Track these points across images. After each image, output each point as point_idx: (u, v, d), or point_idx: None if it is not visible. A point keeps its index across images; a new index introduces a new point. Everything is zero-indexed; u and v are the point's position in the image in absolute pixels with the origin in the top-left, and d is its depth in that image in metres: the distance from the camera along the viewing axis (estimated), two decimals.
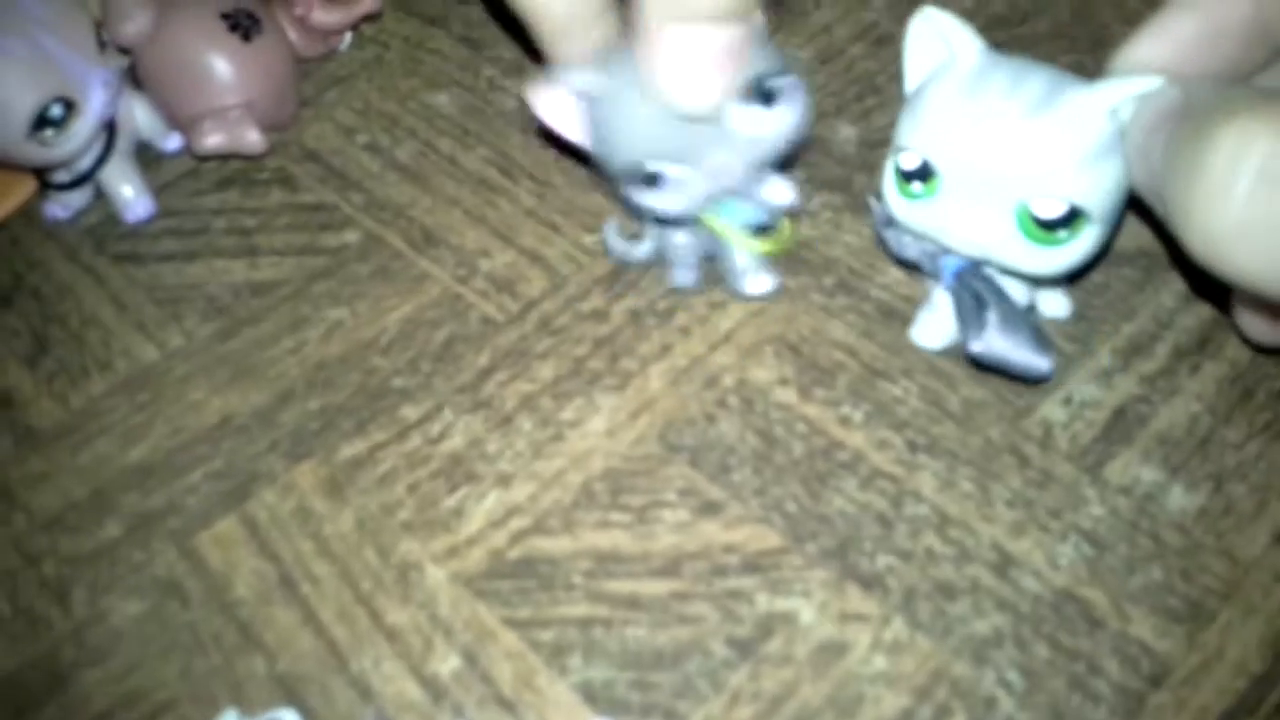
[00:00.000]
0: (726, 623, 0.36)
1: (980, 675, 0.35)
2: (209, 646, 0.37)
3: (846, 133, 0.52)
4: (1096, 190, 0.36)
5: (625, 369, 0.44)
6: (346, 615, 0.38)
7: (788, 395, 0.42)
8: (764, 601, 0.37)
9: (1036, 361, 0.39)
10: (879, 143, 0.52)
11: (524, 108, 0.55)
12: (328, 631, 0.37)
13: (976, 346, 0.39)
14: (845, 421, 0.41)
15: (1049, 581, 0.37)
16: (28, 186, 0.53)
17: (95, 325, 0.48)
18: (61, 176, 0.51)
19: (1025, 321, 0.39)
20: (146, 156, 0.54)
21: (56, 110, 0.47)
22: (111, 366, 0.46)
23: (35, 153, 0.48)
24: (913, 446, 0.40)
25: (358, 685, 0.36)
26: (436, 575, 0.38)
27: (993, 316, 0.39)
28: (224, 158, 0.54)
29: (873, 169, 0.50)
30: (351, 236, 0.50)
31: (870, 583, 0.37)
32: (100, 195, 0.53)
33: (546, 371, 0.44)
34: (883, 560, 0.38)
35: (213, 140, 0.51)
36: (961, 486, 0.39)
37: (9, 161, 0.49)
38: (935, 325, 0.43)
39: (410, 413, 0.43)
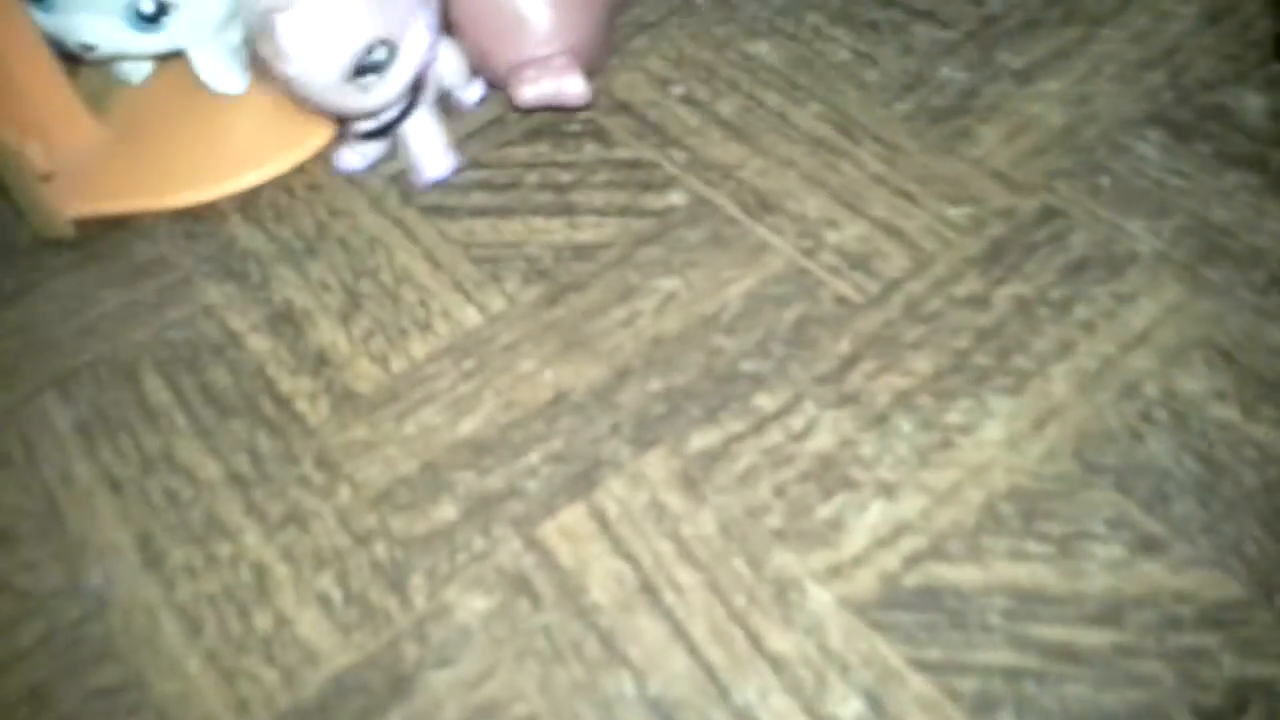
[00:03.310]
0: (1188, 688, 0.30)
1: None
2: (569, 657, 0.33)
3: (1254, 101, 0.45)
4: None
5: (1019, 367, 0.38)
6: (721, 634, 0.33)
7: (1228, 412, 0.36)
8: (1232, 664, 0.31)
9: None
10: None
11: (858, 60, 0.50)
12: (701, 651, 0.33)
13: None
14: None
15: None
16: (323, 132, 0.50)
17: (410, 282, 0.44)
18: (367, 125, 0.47)
19: None
20: (444, 105, 0.50)
21: (380, 53, 0.43)
22: (432, 328, 0.43)
23: (352, 98, 0.44)
24: None
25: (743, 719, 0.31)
26: (821, 597, 0.33)
27: None
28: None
29: None
30: (677, 198, 0.46)
31: None
32: (397, 147, 0.49)
33: (922, 365, 0.38)
34: None
35: (535, 91, 0.46)
36: None
37: (322, 105, 0.46)
38: None
39: (766, 402, 0.38)
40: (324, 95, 0.43)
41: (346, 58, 0.42)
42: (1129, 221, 0.41)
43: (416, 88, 0.47)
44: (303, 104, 0.46)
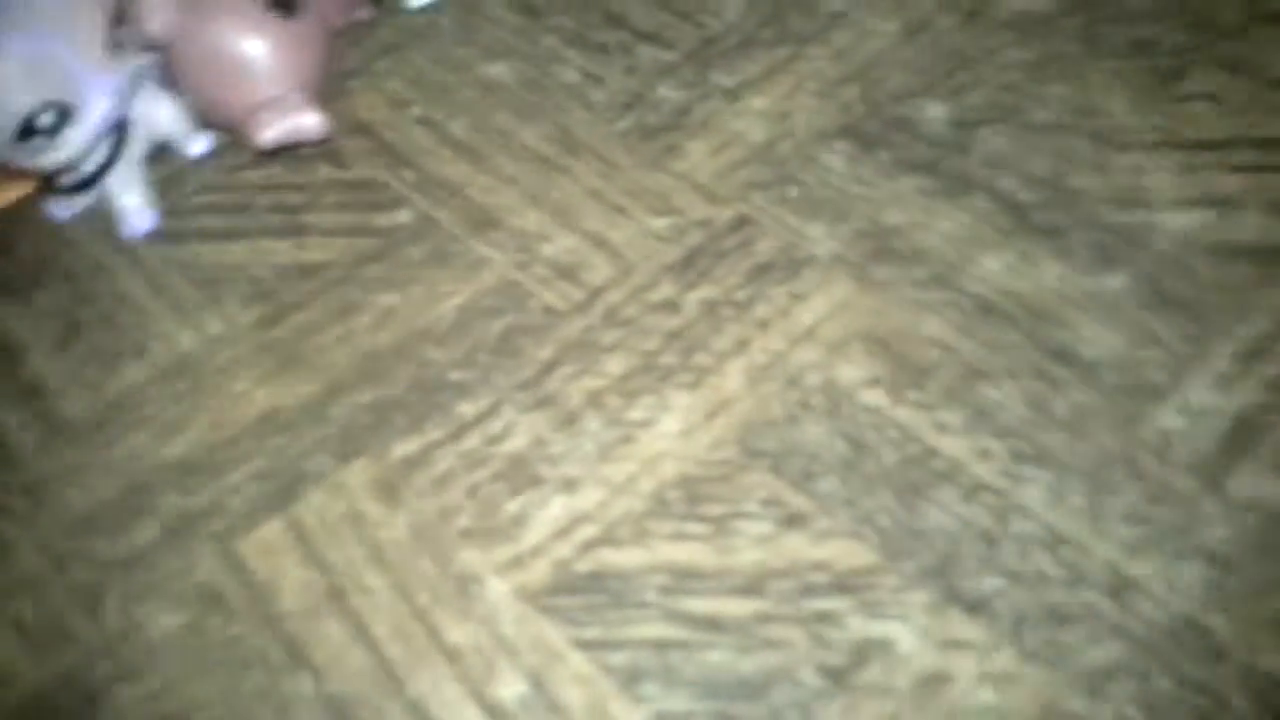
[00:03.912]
0: (817, 648, 0.33)
1: (1097, 710, 0.32)
2: (254, 664, 0.34)
3: (936, 111, 0.49)
4: None
5: (700, 365, 0.41)
6: (402, 631, 0.35)
7: (877, 397, 0.39)
8: (857, 625, 0.34)
9: None
10: (974, 122, 0.48)
11: (586, 80, 0.52)
12: (382, 649, 0.34)
13: None
14: (942, 428, 0.38)
15: (1169, 607, 0.33)
16: (23, 184, 0.49)
17: (130, 308, 0.45)
18: (66, 179, 0.47)
19: None
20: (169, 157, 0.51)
21: (47, 118, 0.42)
22: (147, 353, 0.43)
23: (23, 159, 0.43)
24: (1018, 456, 0.37)
25: (415, 711, 0.33)
26: (499, 589, 0.35)
27: None
28: None
29: (966, 150, 0.47)
30: (404, 217, 0.47)
31: (975, 607, 0.34)
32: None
33: (614, 366, 0.41)
34: (988, 582, 0.34)
35: (273, 133, 0.47)
36: (1072, 501, 0.36)
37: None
38: None
39: (468, 409, 0.40)
40: None
41: (10, 123, 0.42)
42: (810, 226, 0.44)
43: (119, 143, 0.47)
44: None
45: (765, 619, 0.34)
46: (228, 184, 0.50)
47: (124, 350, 0.43)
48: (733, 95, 0.50)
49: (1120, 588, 0.34)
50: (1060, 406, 0.38)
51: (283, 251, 0.46)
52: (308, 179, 0.49)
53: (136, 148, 0.47)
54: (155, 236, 0.48)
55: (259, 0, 0.47)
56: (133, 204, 0.47)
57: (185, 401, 0.41)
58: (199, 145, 0.51)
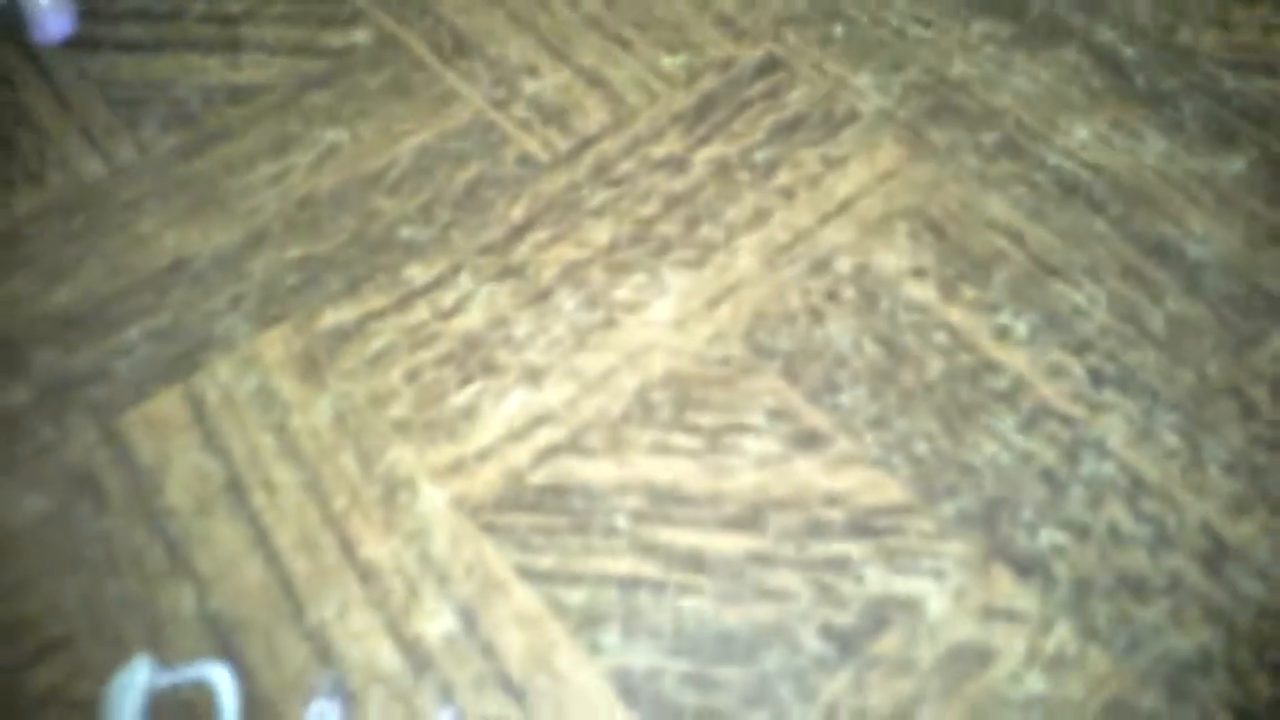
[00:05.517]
0: (823, 604, 0.26)
1: (1179, 712, 0.25)
2: (126, 567, 0.28)
3: None
4: None
5: (705, 239, 0.33)
6: (310, 542, 0.28)
7: (925, 292, 0.31)
8: (876, 579, 0.27)
9: None
10: None
11: None
12: (283, 561, 0.28)
13: None
14: (1003, 334, 0.30)
15: (1278, 584, 0.26)
16: None
17: (29, 126, 0.37)
18: None
19: None
20: None
21: None
22: (43, 180, 0.36)
23: None
24: (1097, 377, 0.29)
25: (314, 640, 0.26)
26: (433, 498, 0.28)
27: None
28: None
29: None
30: (361, 35, 0.39)
31: (1028, 567, 0.27)
32: None
33: (600, 234, 0.33)
34: (1047, 536, 0.27)
35: None
36: (1163, 440, 0.28)
37: None
38: None
39: (417, 273, 0.33)
40: None
41: None
42: (856, 76, 0.36)
43: None
44: None
45: (761, 561, 0.27)
46: None
47: (16, 177, 0.36)
48: None
49: (1216, 556, 0.27)
50: (1155, 318, 0.30)
51: (213, 69, 0.38)
52: None
53: None
54: (70, 43, 0.40)
55: None
56: (46, 2, 0.39)
57: (80, 241, 0.34)
58: None
